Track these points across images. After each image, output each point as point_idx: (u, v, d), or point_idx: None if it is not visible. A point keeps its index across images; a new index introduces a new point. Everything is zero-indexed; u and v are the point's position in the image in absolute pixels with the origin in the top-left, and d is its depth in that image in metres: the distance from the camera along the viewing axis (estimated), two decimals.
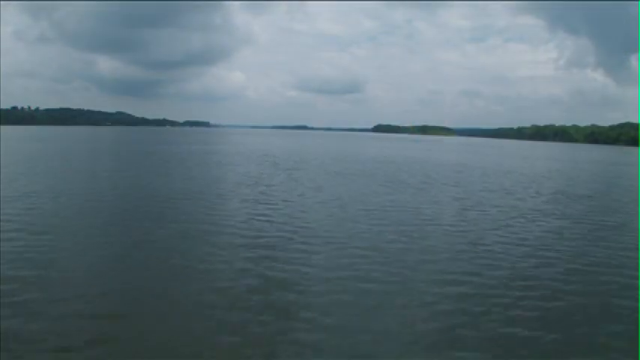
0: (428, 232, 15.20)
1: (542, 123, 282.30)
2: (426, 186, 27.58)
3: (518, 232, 15.43)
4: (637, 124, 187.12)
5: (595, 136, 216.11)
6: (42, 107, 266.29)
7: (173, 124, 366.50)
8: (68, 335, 7.32)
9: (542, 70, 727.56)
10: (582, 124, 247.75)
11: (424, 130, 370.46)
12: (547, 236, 15.14)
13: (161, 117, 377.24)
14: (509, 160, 61.84)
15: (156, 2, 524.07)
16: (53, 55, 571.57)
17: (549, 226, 16.88)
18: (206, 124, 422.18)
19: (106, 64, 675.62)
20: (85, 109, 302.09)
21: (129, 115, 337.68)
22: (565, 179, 35.86)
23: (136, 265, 10.94)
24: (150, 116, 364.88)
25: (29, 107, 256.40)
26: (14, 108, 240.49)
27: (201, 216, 16.47)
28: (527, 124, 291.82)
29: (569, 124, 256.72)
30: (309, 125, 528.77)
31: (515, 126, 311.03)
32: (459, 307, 8.90)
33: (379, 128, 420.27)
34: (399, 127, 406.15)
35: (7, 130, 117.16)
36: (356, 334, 7.68)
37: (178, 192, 21.88)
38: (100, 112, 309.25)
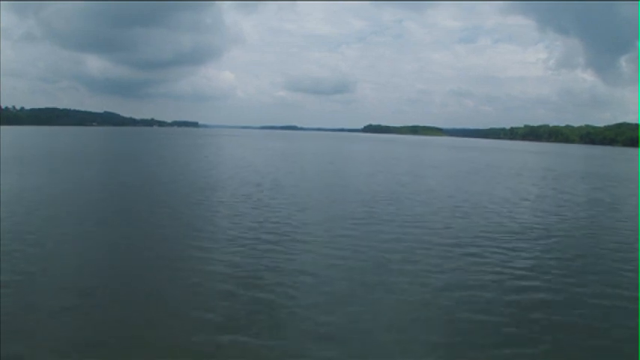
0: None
1: (531, 123, 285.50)
2: None
3: None
4: (633, 124, 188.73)
5: (591, 136, 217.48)
6: (28, 107, 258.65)
7: (161, 124, 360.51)
8: (59, 333, 7.59)
9: (532, 71, 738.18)
10: (571, 124, 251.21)
11: (415, 130, 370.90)
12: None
13: (149, 117, 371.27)
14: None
15: (146, 2, 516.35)
16: (40, 54, 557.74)
17: None
18: (194, 125, 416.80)
19: (95, 64, 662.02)
20: (72, 109, 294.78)
21: (117, 115, 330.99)
22: None
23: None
24: (138, 116, 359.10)
25: (14, 107, 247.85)
26: None
27: None
28: (516, 124, 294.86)
29: (558, 124, 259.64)
30: (298, 126, 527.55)
31: (503, 126, 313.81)
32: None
33: (369, 128, 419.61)
34: (389, 127, 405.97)
35: None
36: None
37: None
38: (87, 113, 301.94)
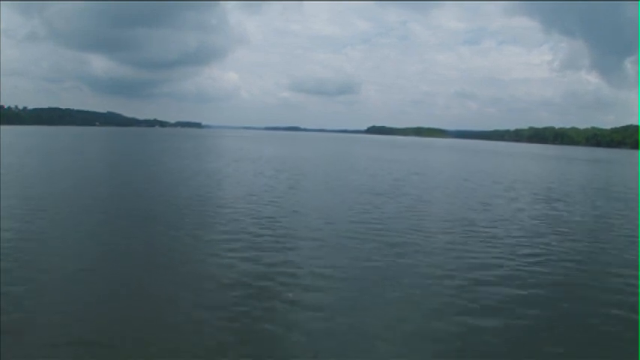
0: None
1: (535, 125, 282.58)
2: None
3: None
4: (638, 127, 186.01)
5: (597, 138, 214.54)
6: (31, 107, 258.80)
7: (164, 124, 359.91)
8: (59, 334, 7.45)
9: (536, 73, 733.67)
10: (575, 126, 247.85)
11: (418, 132, 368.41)
12: None
13: (152, 117, 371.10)
14: None
15: (150, 1, 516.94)
16: (44, 54, 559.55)
17: None
18: (198, 125, 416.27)
19: (99, 64, 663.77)
20: (75, 109, 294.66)
21: (119, 115, 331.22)
22: None
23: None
24: (141, 116, 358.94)
25: (16, 106, 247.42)
26: (0, 107, 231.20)
27: None
28: (520, 126, 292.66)
29: (563, 125, 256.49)
30: (301, 127, 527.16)
31: (507, 128, 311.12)
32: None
33: (373, 130, 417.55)
34: (392, 128, 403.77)
35: None
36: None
37: None
38: (89, 112, 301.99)
